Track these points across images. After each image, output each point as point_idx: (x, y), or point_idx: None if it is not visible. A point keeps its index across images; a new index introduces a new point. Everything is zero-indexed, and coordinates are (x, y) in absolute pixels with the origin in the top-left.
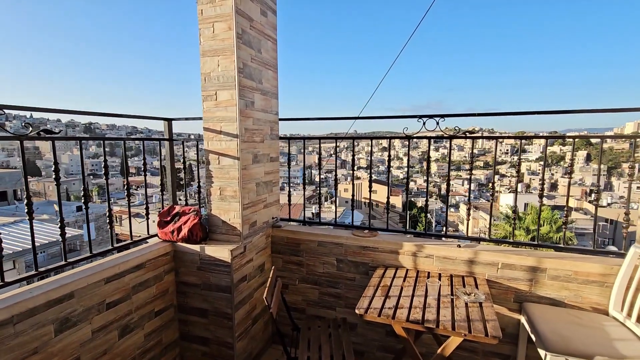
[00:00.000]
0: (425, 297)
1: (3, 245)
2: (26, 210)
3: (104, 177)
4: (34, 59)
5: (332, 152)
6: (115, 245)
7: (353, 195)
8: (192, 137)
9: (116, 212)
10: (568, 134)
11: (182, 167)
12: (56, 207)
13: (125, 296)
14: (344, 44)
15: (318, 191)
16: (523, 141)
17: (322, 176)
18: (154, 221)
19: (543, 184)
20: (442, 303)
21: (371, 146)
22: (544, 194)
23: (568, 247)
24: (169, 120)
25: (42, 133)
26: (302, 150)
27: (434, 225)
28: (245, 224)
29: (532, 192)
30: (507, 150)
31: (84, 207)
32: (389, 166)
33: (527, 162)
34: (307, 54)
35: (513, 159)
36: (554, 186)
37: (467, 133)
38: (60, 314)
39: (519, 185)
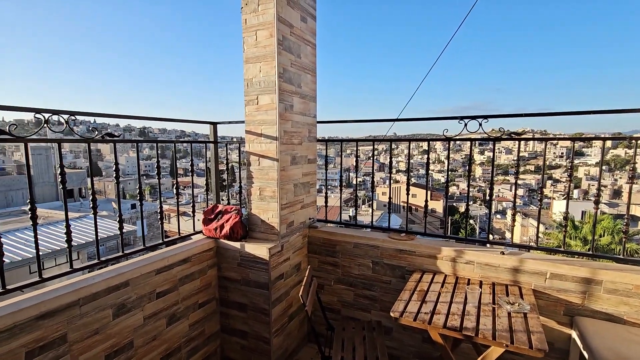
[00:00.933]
0: (464, 304)
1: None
2: (91, 206)
3: (157, 177)
4: (90, 69)
5: (370, 155)
6: (165, 240)
7: (390, 198)
8: (235, 139)
9: (165, 210)
10: (634, 135)
11: (225, 168)
12: (114, 205)
13: (173, 287)
14: (383, 46)
15: (355, 194)
16: (582, 144)
17: (359, 179)
18: (198, 219)
19: (599, 189)
20: (482, 311)
21: (409, 148)
22: (605, 202)
23: (630, 259)
24: (214, 124)
25: (105, 136)
26: (340, 153)
27: (477, 232)
28: (283, 223)
29: (590, 199)
30: (562, 153)
31: (138, 204)
32: (427, 169)
33: (586, 166)
34: (344, 57)
35: (569, 162)
36: (617, 193)
37: (513, 134)
38: (118, 299)
39: (576, 191)
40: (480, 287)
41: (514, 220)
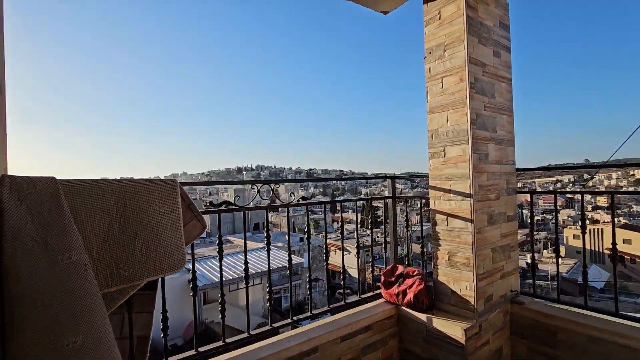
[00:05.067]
0: None
1: (255, 265)
2: (305, 236)
3: (321, 214)
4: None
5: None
6: (346, 302)
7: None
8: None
9: (329, 244)
10: None
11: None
12: (286, 237)
13: (356, 357)
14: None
15: (582, 256)
16: None
17: (537, 217)
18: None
19: None
20: None
21: None
22: None
23: None
24: (392, 179)
25: (300, 200)
26: (554, 205)
27: None
28: (481, 298)
29: None
30: None
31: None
32: None
33: None
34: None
35: None
36: None
37: None
38: None
39: None
40: None
41: None
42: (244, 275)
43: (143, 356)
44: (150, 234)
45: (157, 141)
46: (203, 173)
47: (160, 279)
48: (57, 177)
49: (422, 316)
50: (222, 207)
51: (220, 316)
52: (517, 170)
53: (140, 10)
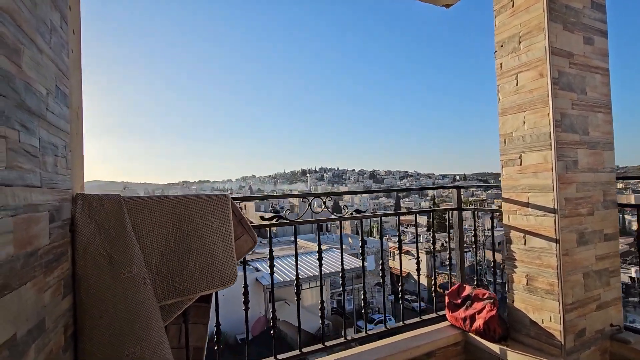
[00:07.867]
0: None
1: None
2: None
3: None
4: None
5: None
6: (405, 322)
7: None
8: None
9: (390, 247)
10: None
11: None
12: (350, 240)
13: None
14: None
15: None
16: None
17: None
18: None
19: None
20: None
21: None
22: None
23: None
24: (458, 188)
25: (354, 213)
26: None
27: None
28: (570, 332)
29: None
30: None
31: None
32: None
33: None
34: None
35: None
36: None
37: None
38: None
39: None
40: None
41: None
42: (306, 277)
43: None
44: (203, 250)
45: (230, 145)
46: (270, 175)
47: (214, 293)
48: (122, 195)
49: (495, 347)
50: (273, 221)
51: (271, 317)
52: (618, 178)
53: (211, 13)
